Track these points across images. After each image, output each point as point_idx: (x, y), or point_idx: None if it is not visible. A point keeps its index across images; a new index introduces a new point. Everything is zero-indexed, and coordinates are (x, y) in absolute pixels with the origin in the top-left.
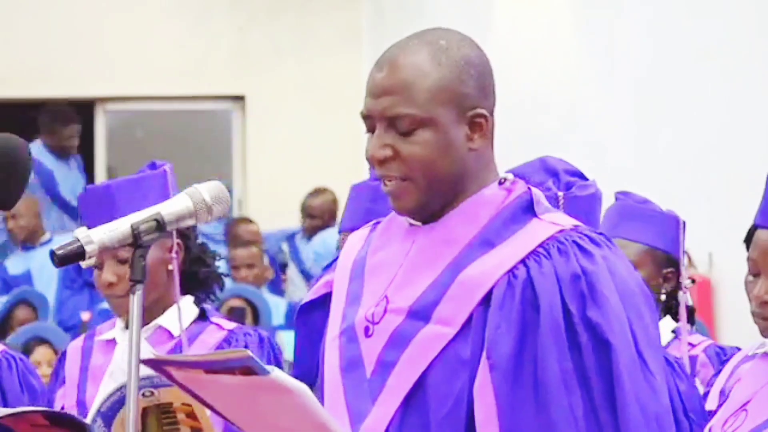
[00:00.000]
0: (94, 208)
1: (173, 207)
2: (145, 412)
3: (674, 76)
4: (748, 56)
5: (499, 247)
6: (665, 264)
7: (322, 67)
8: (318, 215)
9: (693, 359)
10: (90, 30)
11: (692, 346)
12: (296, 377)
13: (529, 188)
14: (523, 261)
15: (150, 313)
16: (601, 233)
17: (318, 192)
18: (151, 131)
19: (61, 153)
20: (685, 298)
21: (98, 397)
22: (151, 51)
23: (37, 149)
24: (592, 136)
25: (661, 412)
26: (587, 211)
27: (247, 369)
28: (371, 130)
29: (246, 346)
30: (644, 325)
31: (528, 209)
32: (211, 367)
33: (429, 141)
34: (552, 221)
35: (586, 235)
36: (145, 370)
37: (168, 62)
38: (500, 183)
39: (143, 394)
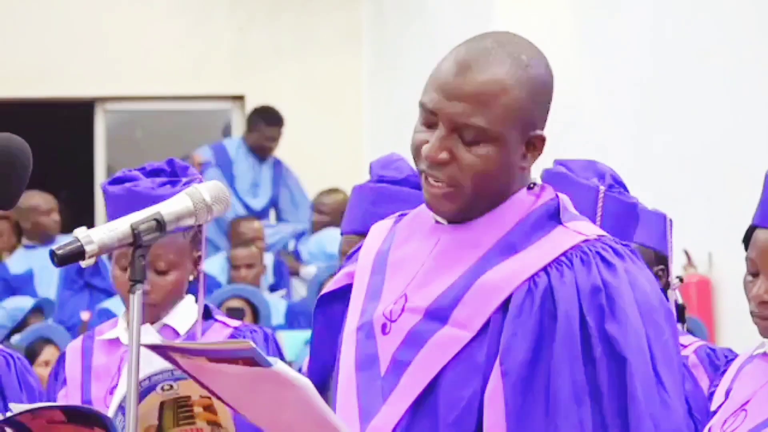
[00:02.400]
0: (125, 206)
1: (173, 207)
2: (161, 406)
3: (674, 76)
4: (748, 56)
5: (522, 253)
6: (655, 262)
7: (322, 67)
8: (327, 212)
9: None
10: (90, 30)
11: (683, 347)
12: (312, 369)
13: (556, 195)
14: (544, 269)
15: (157, 313)
16: (626, 244)
17: (331, 191)
18: (151, 131)
19: (255, 150)
20: (675, 295)
21: (118, 391)
22: (151, 51)
23: (233, 141)
24: (592, 136)
25: (674, 431)
26: (622, 216)
27: (250, 360)
28: (430, 125)
29: None
30: (663, 341)
31: (553, 216)
32: (215, 356)
33: (491, 157)
34: (576, 230)
35: (610, 247)
36: (165, 364)
37: (168, 62)
38: (529, 188)
39: (162, 388)
